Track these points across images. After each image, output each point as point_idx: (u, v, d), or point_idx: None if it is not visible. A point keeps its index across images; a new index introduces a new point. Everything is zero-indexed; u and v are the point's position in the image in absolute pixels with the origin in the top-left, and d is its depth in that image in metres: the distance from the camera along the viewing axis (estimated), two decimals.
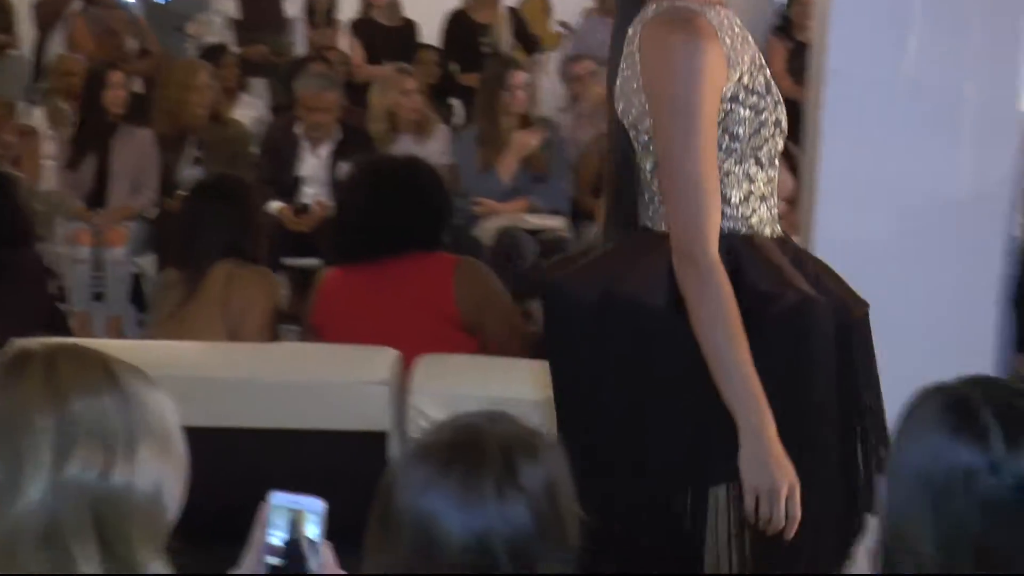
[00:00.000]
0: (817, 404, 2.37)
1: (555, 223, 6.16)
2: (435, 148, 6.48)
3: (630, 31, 2.39)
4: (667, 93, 2.29)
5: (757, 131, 2.39)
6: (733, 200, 2.39)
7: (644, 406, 2.36)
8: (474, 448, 1.52)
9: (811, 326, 2.35)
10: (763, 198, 2.44)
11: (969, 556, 1.50)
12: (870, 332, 2.50)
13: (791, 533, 2.25)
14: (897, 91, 3.53)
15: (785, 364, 2.31)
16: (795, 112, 4.69)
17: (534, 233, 6.01)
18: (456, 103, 8.05)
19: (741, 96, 2.36)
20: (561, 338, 2.49)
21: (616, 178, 2.51)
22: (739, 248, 2.37)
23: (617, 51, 2.44)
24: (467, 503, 1.48)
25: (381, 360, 3.38)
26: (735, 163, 2.39)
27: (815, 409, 2.37)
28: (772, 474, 2.23)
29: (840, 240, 3.55)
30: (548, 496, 1.52)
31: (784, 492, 2.23)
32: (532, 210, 6.22)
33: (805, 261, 2.49)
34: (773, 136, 2.43)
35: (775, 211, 2.48)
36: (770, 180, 2.45)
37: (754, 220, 2.43)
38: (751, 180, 2.42)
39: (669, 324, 2.31)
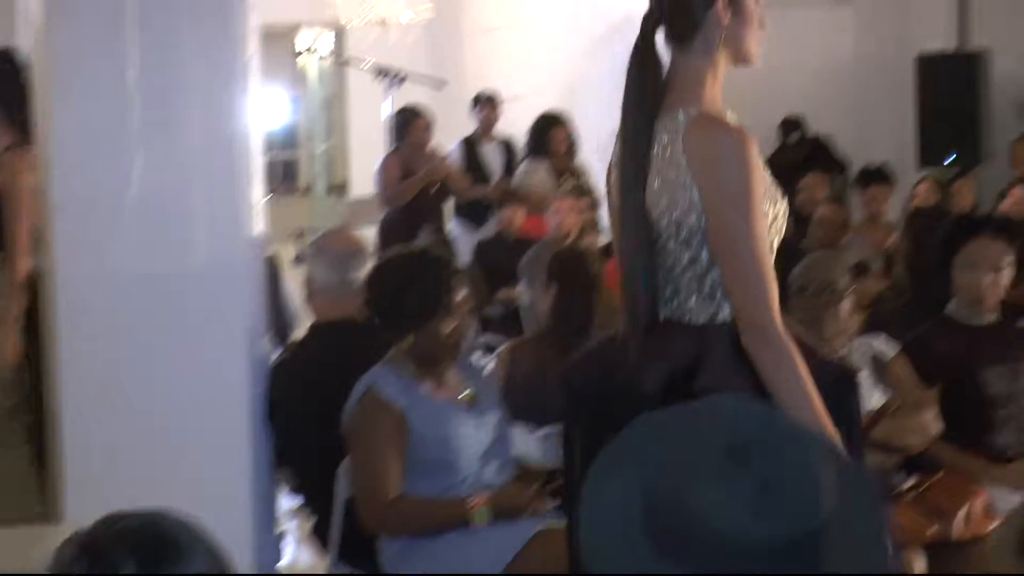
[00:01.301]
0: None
1: None
2: None
3: (664, 138, 2.58)
4: (727, 186, 2.51)
5: (773, 222, 2.63)
6: None
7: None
8: None
9: (853, 395, 2.62)
10: None
11: None
12: None
13: None
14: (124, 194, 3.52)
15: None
16: None
17: None
18: None
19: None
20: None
21: (640, 276, 2.62)
22: None
23: (637, 157, 2.59)
24: None
25: None
26: None
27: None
28: None
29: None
30: None
31: None
32: None
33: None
34: (782, 229, 2.68)
35: None
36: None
37: None
38: None
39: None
